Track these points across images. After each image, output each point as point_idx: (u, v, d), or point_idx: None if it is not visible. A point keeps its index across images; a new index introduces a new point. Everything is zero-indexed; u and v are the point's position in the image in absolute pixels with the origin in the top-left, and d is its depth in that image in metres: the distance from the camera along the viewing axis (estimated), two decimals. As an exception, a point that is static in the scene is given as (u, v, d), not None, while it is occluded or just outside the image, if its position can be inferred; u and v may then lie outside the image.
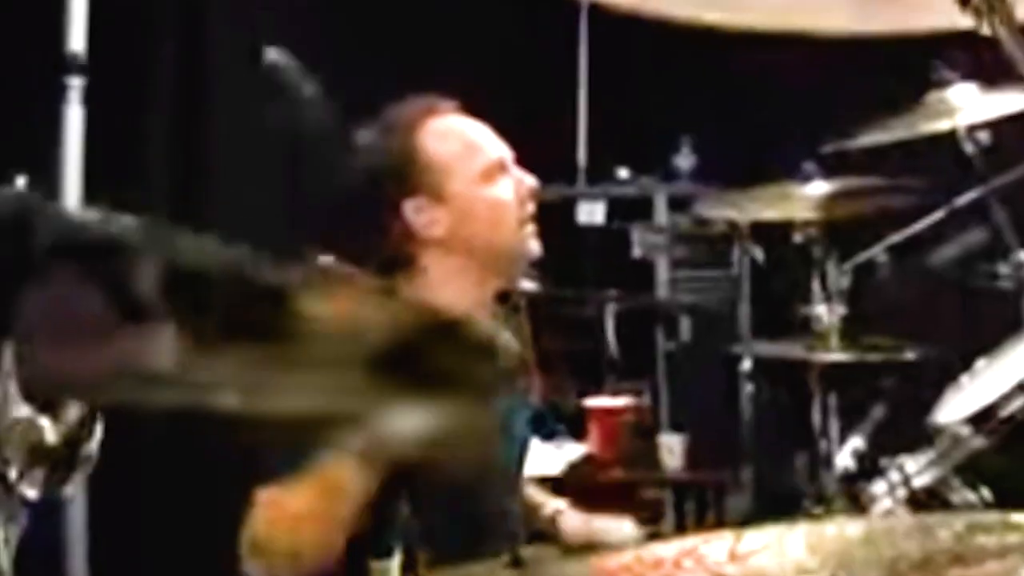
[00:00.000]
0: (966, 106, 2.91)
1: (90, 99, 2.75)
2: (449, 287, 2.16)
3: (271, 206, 3.61)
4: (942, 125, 2.94)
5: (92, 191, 2.77)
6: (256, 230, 3.43)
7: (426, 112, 2.25)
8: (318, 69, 3.87)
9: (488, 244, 2.21)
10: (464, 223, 2.18)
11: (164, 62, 3.45)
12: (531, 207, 2.27)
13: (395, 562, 1.30)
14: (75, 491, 2.51)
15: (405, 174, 2.18)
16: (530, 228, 2.26)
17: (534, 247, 2.27)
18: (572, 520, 2.41)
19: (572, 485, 3.74)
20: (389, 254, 2.19)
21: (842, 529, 1.24)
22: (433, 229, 2.17)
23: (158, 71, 3.43)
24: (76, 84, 2.71)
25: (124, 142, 3.26)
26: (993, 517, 1.17)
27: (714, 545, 1.20)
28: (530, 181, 2.27)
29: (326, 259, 1.99)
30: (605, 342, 4.51)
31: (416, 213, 2.16)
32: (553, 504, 2.48)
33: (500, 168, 2.24)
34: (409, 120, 2.23)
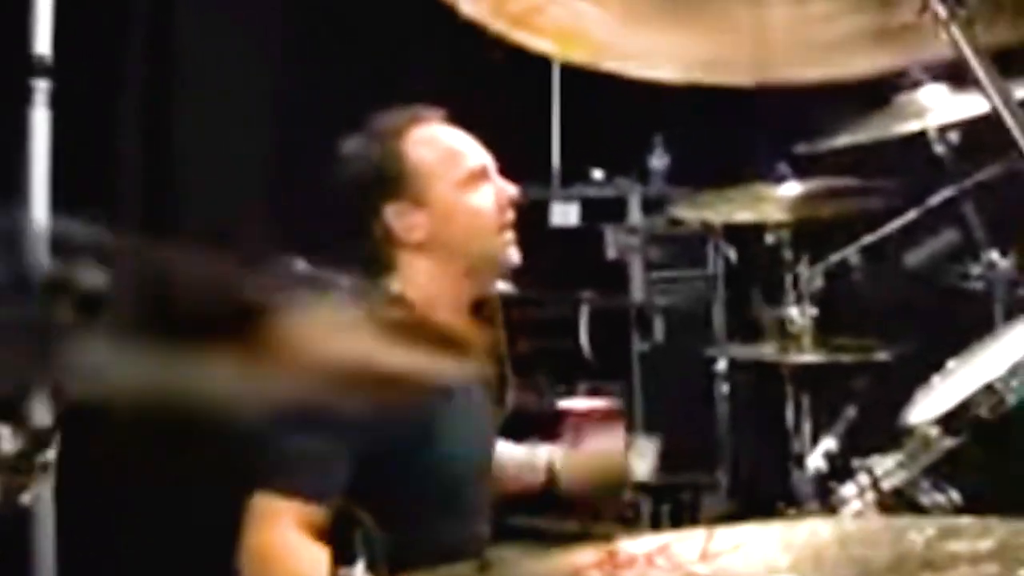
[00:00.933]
0: (936, 107, 2.91)
1: (57, 102, 2.72)
2: (427, 290, 2.23)
3: (243, 207, 3.61)
4: (913, 126, 2.95)
5: (59, 194, 2.74)
6: (227, 232, 3.43)
7: (411, 120, 2.31)
8: (290, 77, 3.88)
9: (466, 249, 2.26)
10: (444, 228, 2.24)
11: (132, 64, 3.43)
12: (511, 215, 2.33)
13: (359, 570, 1.30)
14: (36, 499, 2.49)
15: (388, 179, 2.24)
16: (509, 235, 2.32)
17: (513, 255, 2.34)
18: (569, 460, 2.40)
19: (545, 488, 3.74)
20: (370, 257, 2.24)
21: (814, 530, 1.23)
22: (413, 233, 2.23)
23: (126, 73, 3.41)
24: (42, 87, 2.69)
25: (91, 145, 3.24)
26: (965, 522, 1.16)
27: (686, 543, 1.19)
28: (511, 190, 2.33)
29: (302, 265, 2.01)
30: (579, 344, 4.51)
31: (397, 217, 2.23)
32: (541, 453, 2.50)
33: (481, 175, 2.29)
34: (394, 127, 2.28)
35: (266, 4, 3.86)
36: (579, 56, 1.32)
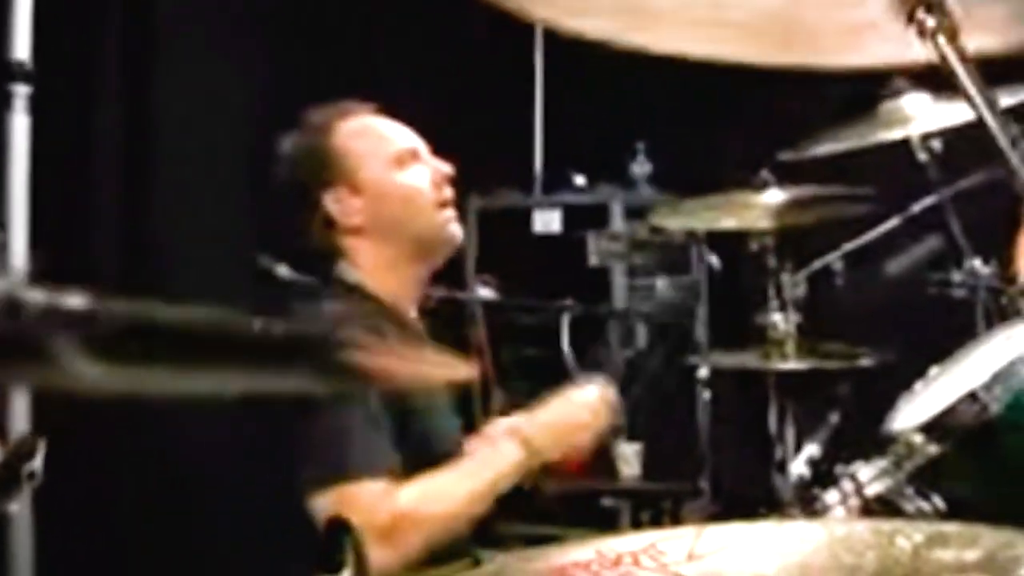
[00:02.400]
0: (919, 115, 2.92)
1: (36, 108, 2.71)
2: (375, 273, 2.30)
3: (221, 211, 3.59)
4: (896, 134, 2.96)
5: (38, 200, 2.73)
6: (205, 236, 3.41)
7: (341, 112, 2.37)
8: (270, 79, 3.86)
9: (405, 228, 2.32)
10: (380, 209, 2.30)
11: (111, 69, 3.41)
12: (448, 192, 2.38)
13: (346, 576, 1.29)
14: (20, 507, 2.48)
15: (321, 167, 2.30)
16: (448, 212, 2.37)
17: (455, 231, 2.38)
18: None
19: (528, 494, 3.73)
20: (315, 245, 2.31)
21: (801, 534, 1.23)
22: (352, 218, 2.29)
23: (105, 78, 3.40)
24: (22, 92, 2.67)
25: (71, 150, 3.22)
26: (953, 530, 1.16)
27: (673, 543, 1.19)
28: (445, 167, 2.38)
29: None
30: (561, 351, 4.50)
31: (335, 203, 2.29)
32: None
33: (412, 156, 2.35)
34: (324, 119, 2.35)
35: (245, 6, 3.85)
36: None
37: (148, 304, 0.66)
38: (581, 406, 2.35)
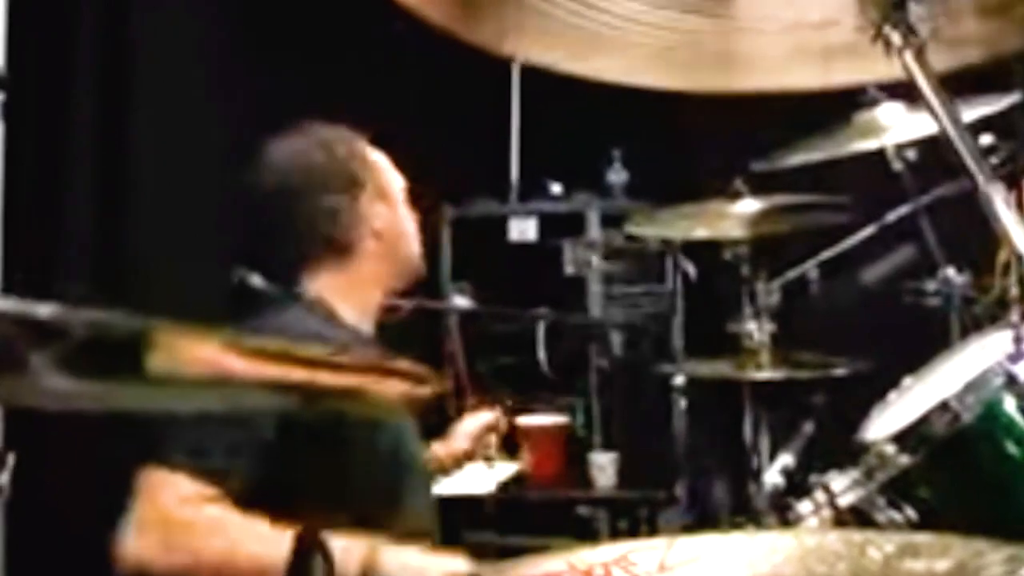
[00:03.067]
0: (894, 125, 2.93)
1: (9, 114, 2.70)
2: (358, 286, 2.36)
3: (197, 220, 3.57)
4: (871, 144, 2.97)
5: (11, 205, 2.72)
6: (181, 242, 3.39)
7: (354, 132, 2.44)
8: (245, 85, 3.85)
9: (400, 252, 2.43)
10: (395, 223, 2.41)
11: (85, 76, 3.40)
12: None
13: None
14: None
15: (358, 170, 2.37)
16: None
17: (422, 267, 2.52)
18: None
19: (504, 504, 3.73)
20: (337, 237, 2.34)
21: (773, 544, 1.23)
22: (376, 221, 2.37)
23: (79, 85, 3.38)
24: (-4, 99, 2.66)
25: (44, 157, 3.20)
26: (925, 540, 1.16)
27: (645, 554, 1.18)
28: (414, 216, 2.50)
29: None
30: (537, 360, 4.50)
31: (369, 203, 2.36)
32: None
33: (404, 195, 2.48)
34: (344, 133, 2.41)
35: (220, 14, 3.84)
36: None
37: (121, 316, 0.65)
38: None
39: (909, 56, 1.10)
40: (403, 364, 0.74)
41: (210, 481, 2.00)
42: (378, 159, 2.43)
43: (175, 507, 1.98)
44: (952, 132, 1.09)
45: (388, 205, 2.40)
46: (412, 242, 2.46)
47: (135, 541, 2.00)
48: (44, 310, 0.63)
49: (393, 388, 0.77)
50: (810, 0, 1.16)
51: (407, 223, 2.45)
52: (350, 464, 2.15)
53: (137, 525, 2.00)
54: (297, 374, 0.70)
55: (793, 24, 1.19)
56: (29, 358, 0.63)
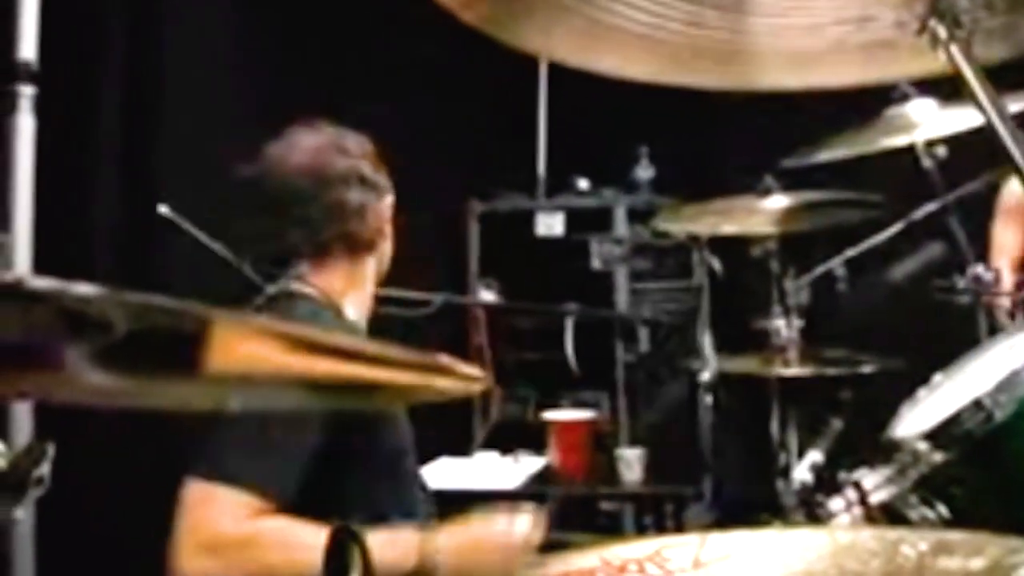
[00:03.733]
0: (924, 121, 2.92)
1: (41, 108, 2.70)
2: (361, 284, 2.38)
3: (224, 216, 3.58)
4: (901, 140, 2.95)
5: (43, 201, 2.73)
6: (210, 237, 3.40)
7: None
8: (273, 80, 3.87)
9: (386, 255, 2.45)
10: (389, 228, 2.43)
11: (116, 71, 3.41)
12: None
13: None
14: (24, 512, 2.47)
15: (376, 170, 2.39)
16: None
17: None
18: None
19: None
20: (359, 235, 2.35)
21: (806, 541, 1.23)
22: (384, 223, 2.40)
23: (110, 79, 3.39)
24: (27, 93, 2.67)
25: (76, 152, 3.22)
26: (958, 537, 1.16)
27: (679, 550, 1.19)
28: None
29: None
30: (564, 355, 4.50)
31: (386, 205, 2.40)
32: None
33: None
34: (360, 138, 2.42)
35: (249, 9, 3.85)
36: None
37: (168, 301, 0.64)
38: (499, 536, 2.14)
39: (955, 49, 1.09)
40: (451, 361, 0.74)
41: (260, 493, 1.97)
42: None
43: (231, 524, 1.95)
44: (1000, 126, 1.08)
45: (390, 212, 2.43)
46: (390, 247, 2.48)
47: (192, 563, 1.95)
48: (85, 290, 0.61)
49: (441, 384, 0.77)
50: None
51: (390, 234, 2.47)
52: (384, 463, 2.18)
53: (192, 546, 1.96)
54: (345, 369, 0.70)
55: (826, 21, 1.19)
56: (67, 352, 0.62)
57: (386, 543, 2.01)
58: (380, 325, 2.47)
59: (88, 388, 0.66)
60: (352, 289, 2.35)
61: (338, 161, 2.34)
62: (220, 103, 3.69)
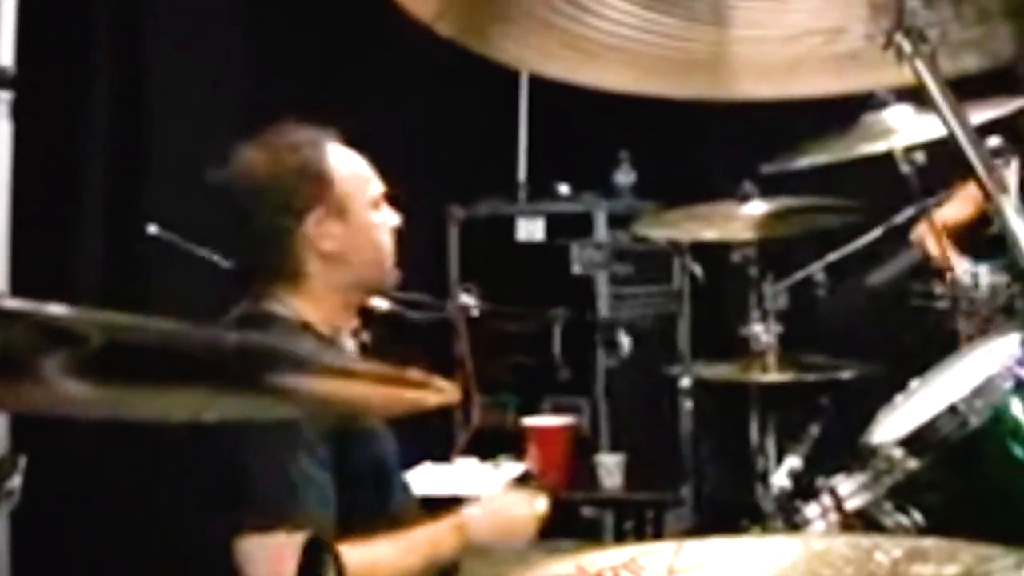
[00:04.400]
0: (902, 127, 2.93)
1: (19, 113, 2.70)
2: (326, 304, 2.27)
3: (209, 224, 3.57)
4: (879, 147, 2.96)
5: (21, 205, 2.72)
6: (195, 243, 3.38)
7: (323, 135, 2.32)
8: (255, 82, 3.85)
9: (367, 267, 2.31)
10: (356, 243, 2.28)
11: (97, 75, 3.39)
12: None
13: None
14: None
15: (316, 185, 2.25)
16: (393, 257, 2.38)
17: (395, 277, 2.40)
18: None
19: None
20: (281, 261, 2.25)
21: (781, 548, 1.23)
22: (328, 243, 2.25)
23: (91, 84, 3.38)
24: (4, 98, 2.66)
25: (55, 156, 3.20)
26: (932, 544, 1.16)
27: (653, 558, 1.19)
28: (397, 218, 2.38)
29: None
30: (548, 359, 4.50)
31: (316, 225, 2.24)
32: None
33: (383, 199, 2.36)
34: (313, 138, 2.29)
35: (229, 15, 3.84)
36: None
37: (136, 320, 0.64)
38: (523, 508, 2.34)
39: (920, 64, 1.10)
40: (417, 373, 0.74)
41: (318, 524, 1.94)
42: (344, 166, 2.30)
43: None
44: (963, 140, 1.09)
45: (344, 221, 2.26)
46: (379, 252, 2.33)
47: None
48: (59, 311, 0.62)
49: (408, 398, 0.77)
50: (817, 8, 1.17)
51: (375, 232, 2.32)
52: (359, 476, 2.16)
53: None
54: (319, 385, 0.70)
55: (800, 32, 1.20)
56: (41, 362, 0.62)
57: (404, 551, 2.09)
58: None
59: (63, 399, 0.66)
60: (312, 309, 2.25)
61: (258, 184, 2.24)
62: (205, 104, 3.67)
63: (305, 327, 2.23)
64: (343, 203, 2.27)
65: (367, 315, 2.53)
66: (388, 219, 2.35)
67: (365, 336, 2.51)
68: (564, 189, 4.93)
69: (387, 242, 2.34)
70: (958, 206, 3.39)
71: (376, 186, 2.34)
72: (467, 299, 4.28)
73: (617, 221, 4.75)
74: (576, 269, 4.77)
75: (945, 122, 1.12)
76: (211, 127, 3.62)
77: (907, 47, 1.10)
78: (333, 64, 4.07)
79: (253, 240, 2.27)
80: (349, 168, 2.31)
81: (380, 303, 2.73)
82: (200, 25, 3.69)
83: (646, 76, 1.35)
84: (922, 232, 3.19)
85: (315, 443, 2.02)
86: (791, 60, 1.25)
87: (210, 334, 0.68)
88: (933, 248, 3.11)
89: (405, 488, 2.41)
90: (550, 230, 4.82)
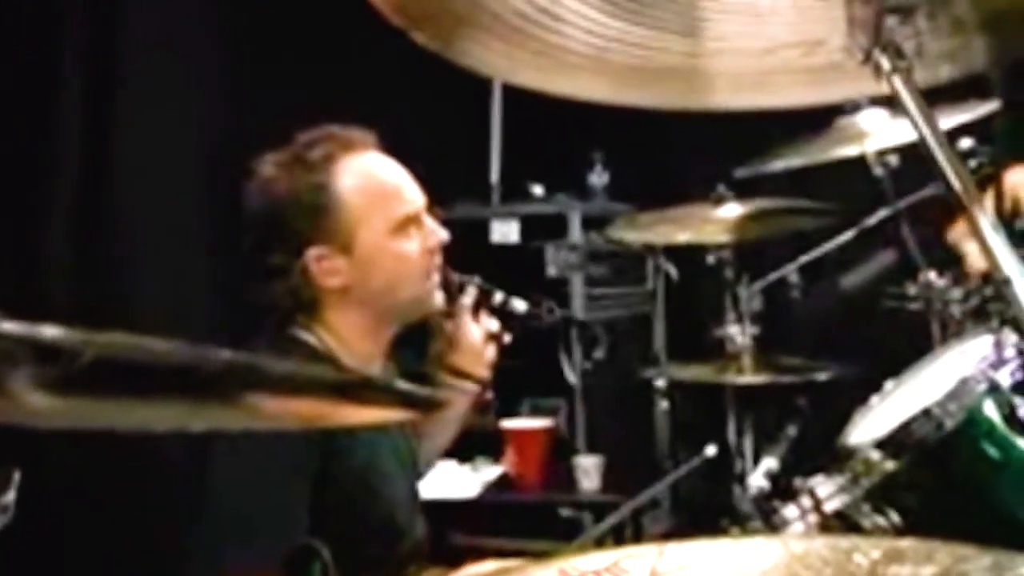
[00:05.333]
0: (876, 131, 2.95)
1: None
2: (347, 335, 2.14)
3: (181, 236, 3.55)
4: (852, 150, 2.99)
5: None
6: (164, 260, 3.36)
7: (343, 147, 2.17)
8: (228, 83, 3.85)
9: (388, 298, 2.16)
10: (366, 276, 2.13)
11: (69, 68, 3.37)
12: (438, 259, 2.25)
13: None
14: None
15: (315, 218, 2.11)
16: (434, 280, 2.24)
17: (437, 299, 2.25)
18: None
19: (488, 507, 3.74)
20: (289, 298, 2.12)
21: (760, 551, 1.24)
22: (334, 279, 2.12)
23: (63, 77, 3.35)
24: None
25: (26, 151, 3.17)
26: (909, 545, 1.18)
27: (636, 561, 1.19)
28: (441, 234, 2.24)
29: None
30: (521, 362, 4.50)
31: (318, 261, 2.11)
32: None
33: (413, 220, 2.18)
34: (324, 156, 2.14)
35: (202, 21, 3.83)
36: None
37: (107, 334, 0.64)
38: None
39: (898, 80, 1.12)
40: (405, 387, 0.74)
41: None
42: (357, 190, 2.13)
43: None
44: (939, 155, 1.11)
45: (351, 255, 2.11)
46: (396, 282, 2.16)
47: None
48: (28, 329, 0.61)
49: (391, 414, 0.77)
50: (794, 21, 1.18)
51: (389, 262, 2.15)
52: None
53: None
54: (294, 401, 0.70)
55: (776, 45, 1.22)
56: (8, 375, 0.62)
57: None
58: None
59: (36, 412, 0.66)
60: (336, 340, 2.13)
61: (258, 215, 2.13)
62: (177, 101, 3.65)
63: (329, 357, 2.10)
64: (348, 236, 2.10)
65: (505, 315, 2.47)
66: (419, 240, 2.19)
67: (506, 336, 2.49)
68: (538, 191, 4.94)
69: (412, 268, 2.18)
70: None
71: (402, 206, 2.17)
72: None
73: (591, 223, 4.75)
74: (551, 271, 4.77)
75: (921, 135, 1.13)
76: (181, 125, 3.60)
77: (885, 63, 1.12)
78: (308, 68, 4.06)
79: (259, 269, 2.12)
80: (363, 192, 2.14)
81: (518, 304, 2.64)
82: (173, 29, 3.67)
83: (619, 86, 1.37)
84: (959, 233, 3.19)
85: (290, 456, 1.93)
86: (766, 71, 1.26)
87: (190, 352, 0.68)
88: (970, 250, 3.11)
89: (413, 494, 2.32)
90: (524, 232, 4.82)
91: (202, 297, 3.38)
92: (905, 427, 1.73)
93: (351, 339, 2.15)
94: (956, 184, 1.10)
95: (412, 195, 2.20)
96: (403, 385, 0.72)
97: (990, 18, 1.16)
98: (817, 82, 1.27)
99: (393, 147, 2.29)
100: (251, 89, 3.81)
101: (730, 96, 1.38)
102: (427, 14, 1.25)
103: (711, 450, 2.74)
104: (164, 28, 3.62)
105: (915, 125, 1.12)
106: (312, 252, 2.10)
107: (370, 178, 2.17)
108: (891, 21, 1.09)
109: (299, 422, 0.78)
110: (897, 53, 1.11)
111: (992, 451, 1.69)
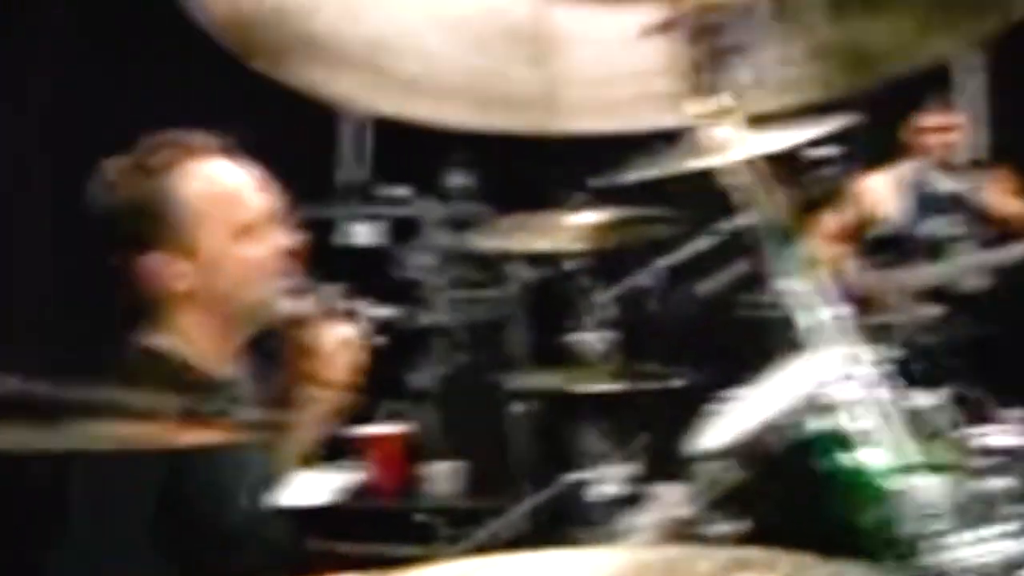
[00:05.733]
0: (731, 143, 2.99)
1: None
2: (196, 337, 2.13)
3: (24, 225, 3.46)
4: (709, 162, 3.02)
5: None
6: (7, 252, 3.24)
7: (186, 152, 2.14)
8: (67, 84, 3.75)
9: (233, 301, 2.15)
10: (211, 280, 2.12)
11: None
12: (287, 263, 2.22)
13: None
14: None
15: (153, 223, 2.09)
16: (281, 284, 2.21)
17: (282, 303, 2.22)
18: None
19: (345, 513, 3.71)
20: (133, 303, 2.12)
21: (604, 559, 1.24)
22: (177, 283, 2.11)
23: None
24: None
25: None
26: (753, 554, 1.19)
27: (484, 572, 1.19)
28: (288, 239, 2.22)
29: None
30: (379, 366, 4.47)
31: (163, 264, 2.10)
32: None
33: (256, 225, 2.16)
34: (166, 161, 2.12)
35: (43, 18, 3.73)
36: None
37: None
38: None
39: (736, 117, 1.15)
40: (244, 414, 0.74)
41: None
42: (202, 194, 2.11)
43: None
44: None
45: (195, 259, 2.09)
46: (240, 287, 2.15)
47: None
48: None
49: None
50: (643, 53, 1.20)
51: (233, 266, 2.13)
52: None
53: None
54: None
55: (631, 72, 1.24)
56: None
57: None
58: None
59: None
60: (187, 341, 2.12)
61: (98, 213, 2.11)
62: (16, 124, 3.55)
63: (184, 364, 2.10)
64: (191, 240, 2.09)
65: (363, 320, 2.44)
66: (262, 246, 2.16)
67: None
68: (397, 192, 4.92)
69: (258, 272, 2.15)
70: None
71: (244, 211, 2.14)
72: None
73: (451, 224, 4.75)
74: (407, 273, 4.76)
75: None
76: (28, 135, 3.51)
77: (728, 101, 1.15)
78: (152, 82, 3.98)
79: (103, 273, 2.10)
80: (204, 198, 2.12)
81: (376, 308, 2.61)
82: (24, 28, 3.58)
83: (479, 113, 1.37)
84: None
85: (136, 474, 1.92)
86: (621, 98, 1.28)
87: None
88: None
89: (265, 504, 2.22)
90: (384, 234, 4.80)
91: (48, 297, 3.29)
92: (752, 436, 1.75)
93: (200, 341, 2.14)
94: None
95: (254, 200, 2.17)
96: (243, 413, 0.71)
97: (820, 52, 1.19)
98: (668, 108, 1.30)
99: (246, 150, 2.23)
100: (98, 91, 3.73)
101: (585, 121, 1.39)
102: (264, 46, 1.23)
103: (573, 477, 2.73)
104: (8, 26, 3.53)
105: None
106: (152, 257, 2.09)
107: (211, 183, 2.13)
108: (727, 56, 1.11)
109: (145, 443, 0.76)
110: (731, 85, 1.15)
111: (836, 463, 1.71)
